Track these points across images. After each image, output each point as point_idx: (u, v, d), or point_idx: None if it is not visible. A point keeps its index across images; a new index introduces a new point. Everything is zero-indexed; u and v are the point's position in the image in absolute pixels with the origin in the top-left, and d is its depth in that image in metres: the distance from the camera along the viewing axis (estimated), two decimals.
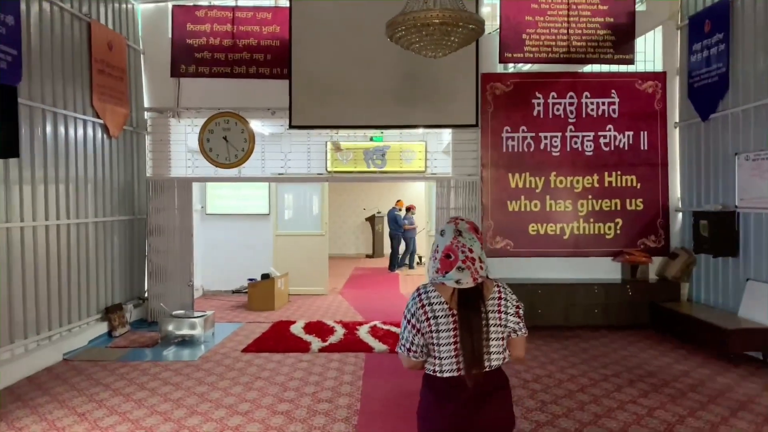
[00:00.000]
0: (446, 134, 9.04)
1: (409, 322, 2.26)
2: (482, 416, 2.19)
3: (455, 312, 2.19)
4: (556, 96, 7.81)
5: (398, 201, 14.83)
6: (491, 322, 2.20)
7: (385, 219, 17.02)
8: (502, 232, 7.80)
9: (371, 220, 16.63)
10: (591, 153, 7.82)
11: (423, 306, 2.22)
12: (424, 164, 10.29)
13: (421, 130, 8.92)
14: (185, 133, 8.05)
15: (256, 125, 8.29)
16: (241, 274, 10.16)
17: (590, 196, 7.82)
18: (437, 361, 2.22)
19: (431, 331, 2.20)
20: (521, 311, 2.29)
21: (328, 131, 8.40)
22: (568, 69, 7.80)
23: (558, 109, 7.82)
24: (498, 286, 2.26)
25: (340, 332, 7.18)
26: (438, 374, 2.22)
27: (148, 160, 8.20)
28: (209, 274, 10.35)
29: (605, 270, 7.75)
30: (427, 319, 2.20)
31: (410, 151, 10.12)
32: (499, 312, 2.22)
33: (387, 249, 17.14)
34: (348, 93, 7.63)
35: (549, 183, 7.83)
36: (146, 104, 8.23)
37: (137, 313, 8.01)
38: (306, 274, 10.16)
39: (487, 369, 2.19)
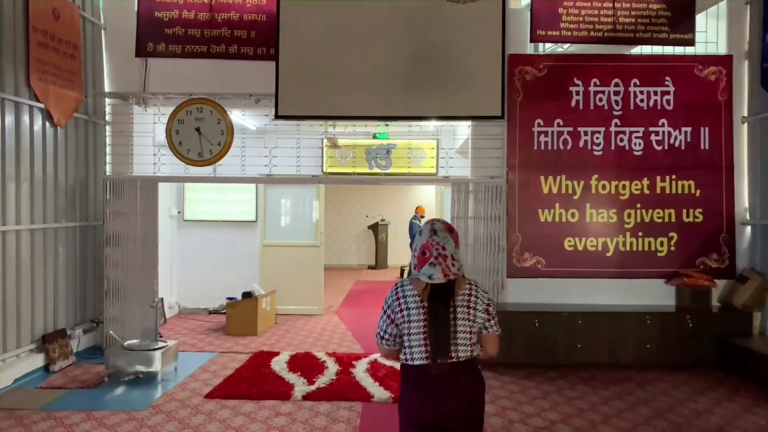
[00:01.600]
0: (463, 129, 7.69)
1: (385, 312, 2.50)
2: (448, 403, 2.35)
3: (426, 304, 2.38)
4: (598, 83, 6.45)
5: (418, 207, 13.15)
6: (459, 315, 2.37)
7: (389, 227, 15.69)
8: (532, 247, 6.43)
9: (374, 228, 15.27)
10: (640, 152, 6.44)
11: (398, 299, 2.45)
12: (435, 165, 8.97)
13: (432, 126, 7.58)
14: (153, 123, 6.71)
15: (236, 116, 6.96)
16: (223, 290, 8.82)
17: (639, 205, 6.44)
18: (408, 350, 2.41)
19: (404, 321, 2.42)
20: (492, 309, 2.48)
21: (322, 123, 7.04)
22: (613, 51, 6.45)
23: (601, 99, 6.45)
24: (470, 284, 2.44)
25: (332, 369, 5.80)
26: (410, 362, 2.41)
27: (106, 155, 6.86)
28: (186, 289, 9.00)
29: (657, 295, 6.36)
30: (401, 310, 2.43)
31: (419, 150, 8.78)
32: (468, 307, 2.40)
33: (391, 260, 15.79)
34: (346, 77, 6.28)
35: (589, 188, 6.46)
36: (106, 88, 6.91)
37: (89, 340, 6.65)
38: (297, 291, 8.80)
39: (453, 359, 2.35)
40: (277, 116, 6.33)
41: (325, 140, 7.47)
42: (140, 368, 5.47)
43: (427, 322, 2.35)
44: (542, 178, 6.46)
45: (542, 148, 6.46)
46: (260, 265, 8.79)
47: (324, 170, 8.85)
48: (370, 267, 15.55)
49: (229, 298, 7.66)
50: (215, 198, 8.96)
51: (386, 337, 2.48)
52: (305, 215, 9.08)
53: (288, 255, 8.83)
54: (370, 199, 16.10)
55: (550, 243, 6.43)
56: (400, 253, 15.82)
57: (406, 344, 2.40)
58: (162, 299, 8.08)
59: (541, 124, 6.46)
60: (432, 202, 15.09)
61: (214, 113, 6.48)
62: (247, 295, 7.52)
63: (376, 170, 8.75)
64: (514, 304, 6.35)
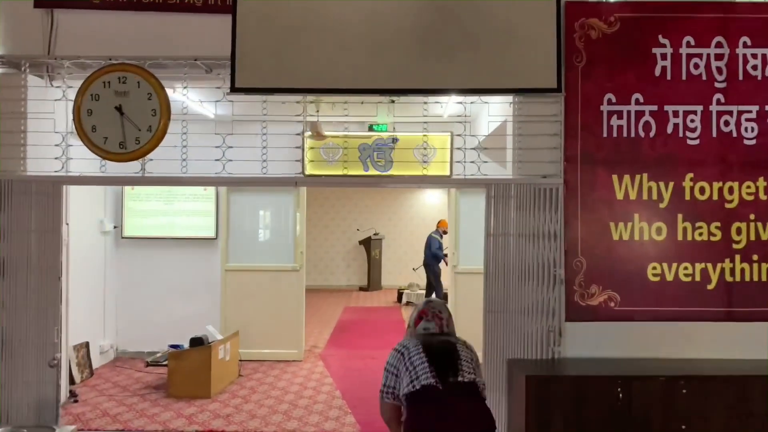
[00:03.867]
0: (486, 120, 5.72)
1: (388, 371, 2.68)
2: (458, 418, 2.43)
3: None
4: (693, 42, 4.53)
5: (441, 221, 10.59)
6: (458, 347, 2.69)
7: (383, 243, 13.71)
8: (601, 276, 4.46)
9: (366, 243, 13.29)
10: (753, 141, 4.51)
11: (402, 357, 2.63)
12: (449, 165, 7.00)
13: (446, 115, 5.65)
14: (56, 101, 4.68)
15: (176, 93, 4.95)
16: (173, 328, 6.80)
17: (753, 216, 4.51)
18: (414, 381, 2.52)
19: (407, 369, 2.57)
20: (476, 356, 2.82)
21: (300, 100, 5.00)
22: None
23: (697, 66, 4.53)
24: (462, 341, 2.81)
25: None
26: (416, 387, 2.51)
27: None
28: (126, 328, 6.96)
29: None
30: (406, 368, 2.58)
31: (426, 146, 6.82)
32: (465, 346, 2.76)
33: (386, 280, 13.80)
34: (334, 33, 4.30)
35: (681, 192, 4.51)
36: None
37: None
38: (271, 331, 6.80)
39: (459, 379, 2.53)
40: (234, 89, 4.33)
41: (304, 130, 5.46)
42: None
43: (429, 353, 2.59)
44: (615, 177, 4.50)
45: (614, 134, 4.51)
46: (222, 295, 6.77)
47: (305, 172, 6.88)
48: (362, 288, 13.55)
49: (172, 346, 5.59)
50: (163, 209, 6.94)
51: (391, 391, 2.62)
52: (282, 230, 7.09)
53: (258, 282, 6.83)
54: (361, 210, 14.13)
55: (628, 271, 4.46)
56: (397, 271, 13.85)
57: (412, 377, 2.53)
58: (86, 345, 6.02)
59: (613, 100, 4.51)
60: (436, 213, 13.16)
61: (144, 85, 4.44)
62: (196, 342, 5.47)
63: (372, 172, 6.82)
64: (579, 360, 4.38)
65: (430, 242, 10.35)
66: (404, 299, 11.28)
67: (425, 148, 6.62)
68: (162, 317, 6.89)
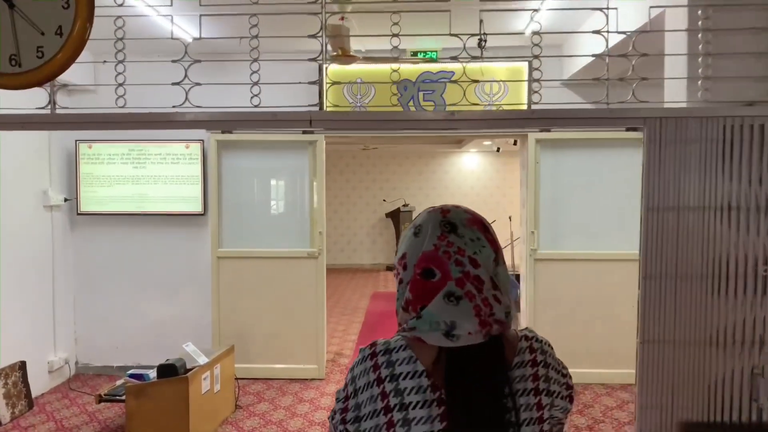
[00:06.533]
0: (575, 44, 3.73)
1: (345, 401, 1.08)
2: None
3: (444, 395, 0.98)
4: None
5: None
6: (523, 416, 1.00)
7: (414, 215, 11.83)
8: None
9: (395, 215, 11.42)
10: None
11: (380, 381, 1.02)
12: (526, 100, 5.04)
13: (528, 30, 3.66)
14: None
15: None
16: (150, 334, 5.08)
17: None
18: None
19: (385, 414, 1.00)
20: (571, 383, 1.13)
21: (316, 3, 3.05)
22: None
23: None
24: (527, 339, 1.07)
25: None
26: None
27: None
28: (87, 334, 5.21)
29: None
30: (387, 410, 1.00)
31: (492, 80, 4.85)
32: (537, 393, 1.03)
33: None
34: None
35: None
36: None
37: None
38: (280, 338, 5.00)
39: None
40: None
41: (324, 47, 3.47)
42: None
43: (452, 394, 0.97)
44: None
45: None
46: (213, 291, 4.96)
47: (325, 105, 4.99)
48: (389, 268, 11.72)
49: (132, 376, 3.79)
50: (132, 174, 5.09)
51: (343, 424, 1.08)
52: (293, 203, 5.22)
53: (262, 273, 5.00)
54: (388, 178, 12.21)
55: None
56: None
57: None
58: (21, 367, 4.28)
59: None
60: (473, 180, 11.32)
61: None
62: (167, 371, 3.66)
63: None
64: None
65: None
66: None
67: (476, 94, 4.72)
68: (135, 320, 5.13)
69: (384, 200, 11.94)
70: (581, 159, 4.94)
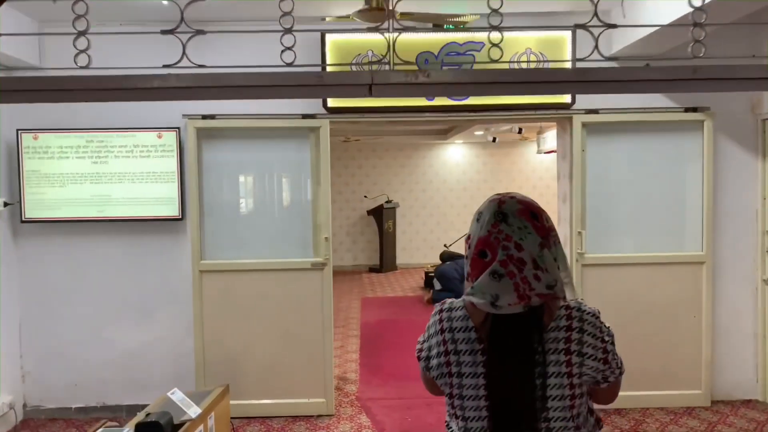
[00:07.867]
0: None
1: (420, 353, 1.49)
2: None
3: (486, 347, 1.33)
4: None
5: None
6: (551, 370, 1.29)
7: (397, 212, 11.06)
8: None
9: (377, 213, 10.62)
10: None
11: (443, 331, 1.40)
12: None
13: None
14: None
15: None
16: (118, 367, 4.15)
17: None
18: (460, 423, 1.38)
19: (450, 374, 1.37)
20: (611, 347, 1.34)
21: None
22: None
23: None
24: (568, 308, 1.33)
25: None
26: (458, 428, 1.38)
27: None
28: (38, 369, 4.24)
29: None
30: (447, 353, 1.37)
31: (537, 55, 4.11)
32: (568, 353, 1.29)
33: (402, 258, 11.21)
34: None
35: None
36: None
37: None
38: (279, 369, 4.15)
39: None
40: None
41: None
42: None
43: (489, 379, 1.31)
44: None
45: None
46: (194, 312, 4.06)
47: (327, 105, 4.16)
48: (373, 269, 10.93)
49: None
50: (91, 170, 4.13)
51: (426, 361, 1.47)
52: (293, 202, 4.37)
53: (255, 289, 4.13)
54: (368, 172, 11.40)
55: None
56: (414, 247, 11.32)
57: (457, 413, 1.38)
58: None
59: None
60: (460, 174, 10.69)
61: None
62: (150, 430, 2.76)
63: (438, 102, 4.18)
64: None
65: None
66: (437, 285, 8.68)
67: (534, 58, 3.99)
68: (98, 351, 4.17)
69: (365, 196, 11.12)
70: (632, 145, 4.26)
